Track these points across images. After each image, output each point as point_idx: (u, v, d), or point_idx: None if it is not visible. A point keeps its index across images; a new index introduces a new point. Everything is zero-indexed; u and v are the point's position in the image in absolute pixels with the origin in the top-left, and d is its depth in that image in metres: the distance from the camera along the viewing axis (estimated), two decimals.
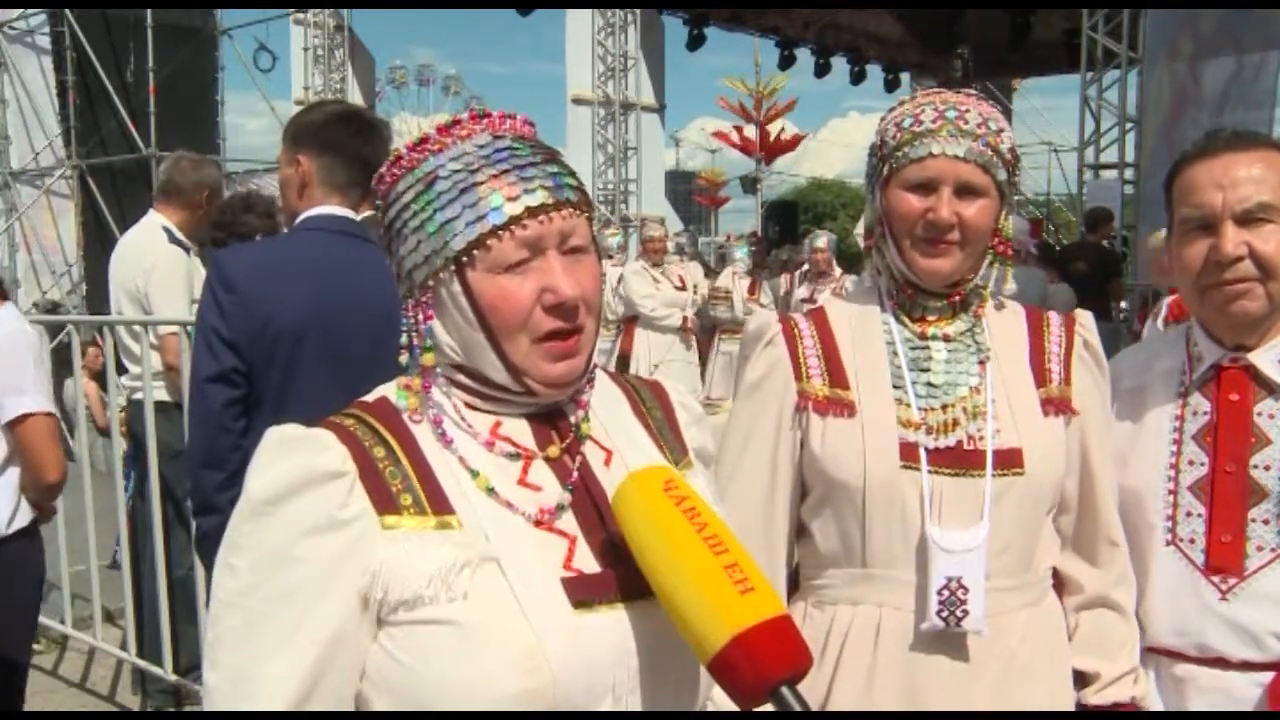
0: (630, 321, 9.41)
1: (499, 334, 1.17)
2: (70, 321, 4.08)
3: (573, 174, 1.22)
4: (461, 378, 1.22)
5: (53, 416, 2.77)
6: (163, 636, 4.03)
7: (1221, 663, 1.71)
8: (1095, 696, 1.72)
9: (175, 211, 4.38)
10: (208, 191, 4.42)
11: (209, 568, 2.95)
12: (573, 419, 1.26)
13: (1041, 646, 1.68)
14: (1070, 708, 1.72)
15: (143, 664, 4.21)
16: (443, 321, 1.20)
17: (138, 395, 4.16)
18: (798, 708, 1.03)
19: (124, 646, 4.34)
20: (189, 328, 3.75)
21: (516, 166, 1.17)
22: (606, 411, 1.31)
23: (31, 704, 3.39)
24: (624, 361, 9.21)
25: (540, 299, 1.16)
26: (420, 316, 1.20)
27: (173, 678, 4.08)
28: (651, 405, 1.37)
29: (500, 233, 1.15)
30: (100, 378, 6.00)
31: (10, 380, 2.68)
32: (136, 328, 4.12)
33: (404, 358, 1.22)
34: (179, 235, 4.34)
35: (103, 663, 4.62)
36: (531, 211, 1.15)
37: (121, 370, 4.34)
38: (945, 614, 1.59)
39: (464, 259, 1.16)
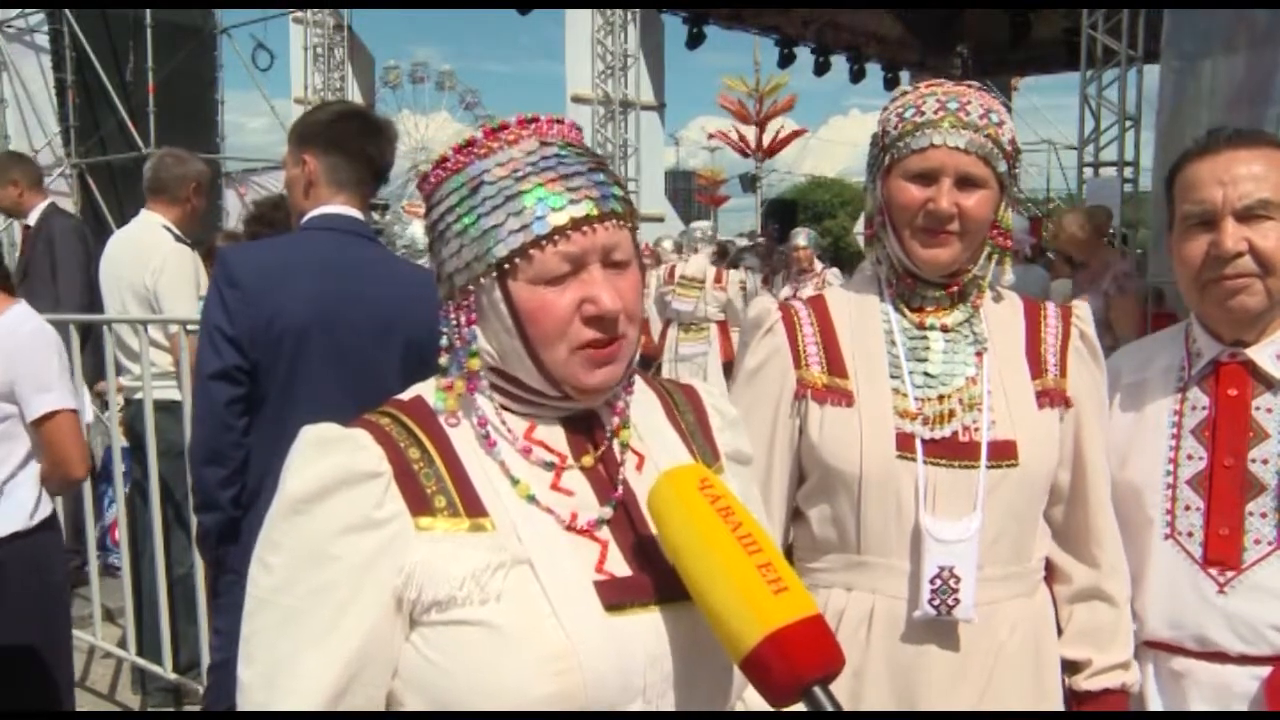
0: (724, 325, 9.14)
1: (536, 343, 1.16)
2: (70, 321, 4.06)
3: (619, 183, 1.21)
4: (498, 380, 1.21)
5: (76, 413, 2.79)
6: (162, 635, 4.03)
7: (1219, 656, 1.72)
8: (1086, 681, 1.74)
9: (167, 208, 4.38)
10: (195, 185, 4.41)
11: (210, 564, 2.97)
12: (609, 428, 1.25)
13: (1031, 637, 1.70)
14: (1059, 701, 1.73)
15: (142, 663, 4.21)
16: (481, 326, 1.19)
17: (138, 395, 4.16)
18: (830, 707, 1.03)
19: (123, 645, 4.34)
20: (188, 326, 3.76)
21: (563, 175, 1.16)
22: (640, 416, 1.29)
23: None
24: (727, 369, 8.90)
25: (580, 309, 1.15)
26: (463, 320, 1.19)
27: (172, 676, 4.08)
28: (684, 409, 1.36)
29: (543, 243, 1.13)
30: None
31: (36, 377, 2.68)
32: (138, 325, 4.11)
33: (444, 359, 1.21)
34: (179, 233, 4.34)
35: (102, 662, 4.61)
36: (576, 223, 1.14)
37: (121, 370, 4.33)
38: (937, 602, 1.61)
39: (505, 266, 1.15)
